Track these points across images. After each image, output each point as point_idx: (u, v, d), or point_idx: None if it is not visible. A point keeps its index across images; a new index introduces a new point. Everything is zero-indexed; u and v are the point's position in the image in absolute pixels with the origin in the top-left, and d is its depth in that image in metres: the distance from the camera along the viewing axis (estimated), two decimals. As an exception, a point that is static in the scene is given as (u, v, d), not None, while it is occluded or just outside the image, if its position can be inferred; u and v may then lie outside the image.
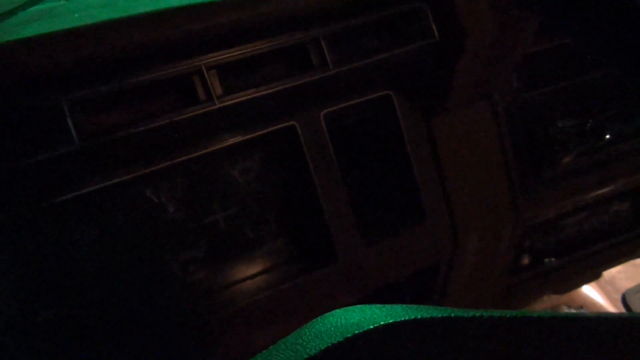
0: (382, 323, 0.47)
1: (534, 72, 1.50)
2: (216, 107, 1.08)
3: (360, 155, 1.44)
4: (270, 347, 0.54)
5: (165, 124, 1.06)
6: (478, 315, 0.52)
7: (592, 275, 2.10)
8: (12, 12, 1.28)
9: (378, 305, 0.54)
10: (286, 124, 1.28)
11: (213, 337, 1.31)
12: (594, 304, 2.64)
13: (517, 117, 1.48)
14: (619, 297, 2.72)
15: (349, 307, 0.55)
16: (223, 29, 1.05)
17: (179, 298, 1.31)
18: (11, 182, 1.01)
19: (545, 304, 2.44)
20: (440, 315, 0.50)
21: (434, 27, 1.24)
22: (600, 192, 1.64)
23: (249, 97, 1.12)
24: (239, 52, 1.10)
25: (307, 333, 0.50)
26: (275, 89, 1.14)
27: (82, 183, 1.12)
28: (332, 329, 0.48)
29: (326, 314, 0.53)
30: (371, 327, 0.47)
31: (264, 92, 1.13)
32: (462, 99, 1.38)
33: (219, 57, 1.09)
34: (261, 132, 1.26)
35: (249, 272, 1.38)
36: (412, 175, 1.39)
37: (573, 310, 2.52)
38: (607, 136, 1.57)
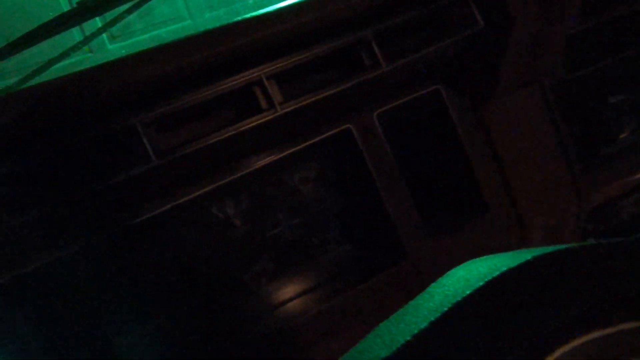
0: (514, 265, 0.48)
1: (581, 51, 1.49)
2: (278, 113, 1.11)
3: (416, 152, 1.45)
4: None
5: (232, 135, 1.09)
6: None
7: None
8: (39, 71, 1.34)
9: (498, 255, 0.55)
10: (342, 127, 1.29)
11: (291, 347, 1.31)
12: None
13: (568, 97, 1.47)
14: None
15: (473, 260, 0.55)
16: (284, 35, 1.09)
17: (254, 311, 1.32)
18: (91, 205, 1.05)
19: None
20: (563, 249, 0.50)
21: (477, 15, 1.26)
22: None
23: (308, 101, 1.14)
24: (295, 59, 1.13)
25: (447, 282, 0.51)
26: (331, 92, 1.16)
27: (155, 203, 1.15)
28: (471, 276, 0.49)
29: (453, 270, 0.54)
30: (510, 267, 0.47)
31: (322, 96, 1.15)
32: (511, 84, 1.38)
33: (277, 66, 1.12)
34: (319, 138, 1.28)
35: (319, 278, 1.38)
36: (469, 166, 1.39)
37: None
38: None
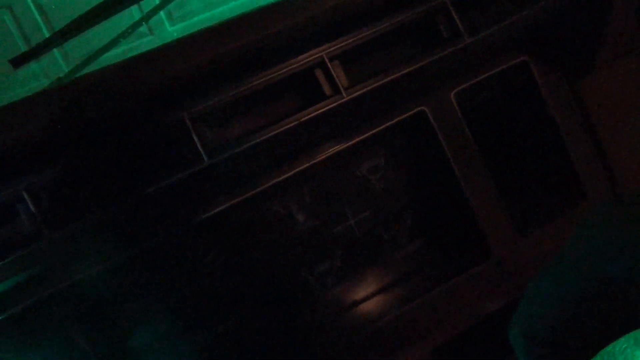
0: None
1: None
2: (344, 99, 0.97)
3: (499, 136, 1.28)
4: None
5: (292, 127, 0.96)
6: None
7: None
8: (96, 56, 1.26)
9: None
10: (415, 110, 1.14)
11: (363, 355, 1.19)
12: None
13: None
14: None
15: None
16: (350, 9, 0.94)
17: (320, 315, 1.21)
18: (145, 209, 0.96)
19: None
20: None
21: (576, -27, 1.07)
22: None
23: (378, 84, 0.99)
24: (362, 36, 0.99)
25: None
26: (404, 72, 1.01)
27: (212, 202, 1.04)
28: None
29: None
30: None
31: (393, 77, 1.01)
32: (612, 54, 1.18)
33: (341, 45, 0.98)
34: (390, 123, 1.13)
35: (391, 278, 1.25)
36: (563, 148, 1.21)
37: None
38: None
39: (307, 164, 1.09)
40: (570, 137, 1.20)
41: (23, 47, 1.95)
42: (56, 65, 1.93)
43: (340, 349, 1.17)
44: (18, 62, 1.28)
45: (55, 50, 1.96)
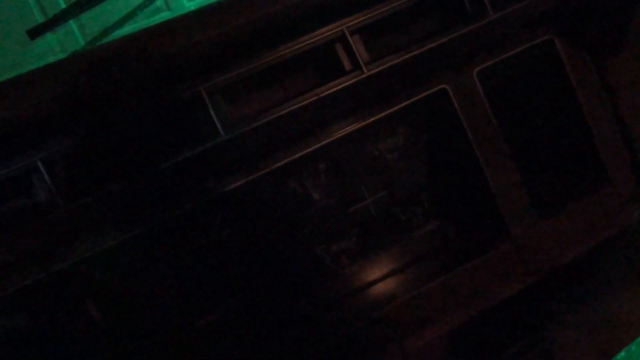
0: None
1: None
2: (365, 75, 0.95)
3: (522, 116, 1.25)
4: None
5: (310, 102, 0.94)
6: None
7: None
8: (112, 29, 1.24)
9: None
10: (436, 88, 1.11)
11: (373, 334, 1.18)
12: None
13: None
14: None
15: None
16: None
17: (334, 293, 1.20)
18: (158, 185, 0.94)
19: None
20: None
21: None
22: None
23: (399, 60, 0.97)
24: (384, 10, 0.96)
25: None
26: (426, 48, 0.98)
27: (228, 178, 1.03)
28: None
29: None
30: None
31: (415, 53, 0.98)
32: (643, 33, 1.14)
33: (363, 19, 0.95)
34: (410, 101, 1.11)
35: (407, 259, 1.23)
36: (588, 130, 1.18)
37: None
38: None
39: (325, 142, 1.07)
40: (595, 119, 1.17)
41: (40, 19, 1.94)
42: (73, 39, 1.91)
43: (354, 328, 1.16)
44: (35, 33, 1.27)
45: (72, 23, 1.95)
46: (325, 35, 0.94)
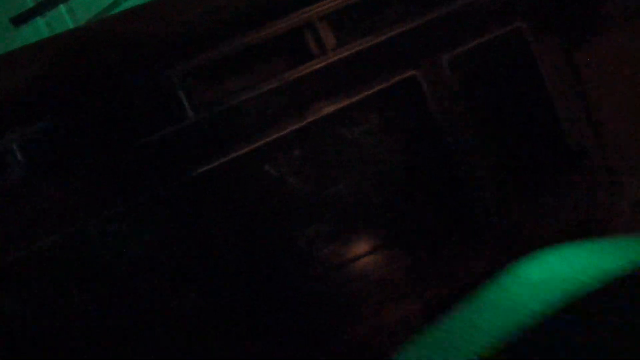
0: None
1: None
2: (330, 60, 0.97)
3: (492, 104, 1.27)
4: None
5: (278, 86, 0.97)
6: None
7: None
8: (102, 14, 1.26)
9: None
10: (406, 75, 1.14)
11: (343, 312, 1.22)
12: None
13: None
14: None
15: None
16: None
17: (307, 274, 1.24)
18: (133, 163, 0.98)
19: None
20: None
21: None
22: None
23: (366, 46, 1.00)
24: (352, -4, 0.98)
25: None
26: (393, 34, 1.01)
27: (200, 160, 1.06)
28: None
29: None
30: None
31: (381, 39, 1.00)
32: (616, 18, 1.16)
33: (331, 5, 0.97)
34: (378, 88, 1.13)
35: (380, 242, 1.27)
36: (556, 121, 1.20)
37: None
38: None
39: (298, 125, 1.10)
40: (564, 108, 1.20)
41: (31, 3, 1.97)
42: (63, 24, 1.94)
43: (329, 305, 1.20)
44: (19, 21, 1.30)
45: (62, 7, 1.97)
46: (294, 20, 0.97)
